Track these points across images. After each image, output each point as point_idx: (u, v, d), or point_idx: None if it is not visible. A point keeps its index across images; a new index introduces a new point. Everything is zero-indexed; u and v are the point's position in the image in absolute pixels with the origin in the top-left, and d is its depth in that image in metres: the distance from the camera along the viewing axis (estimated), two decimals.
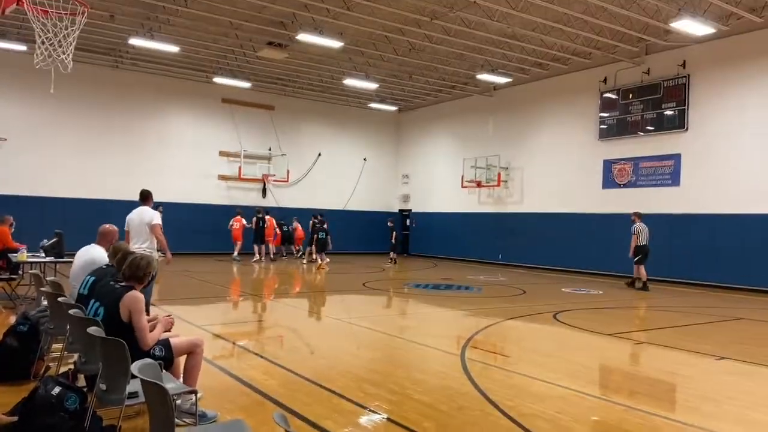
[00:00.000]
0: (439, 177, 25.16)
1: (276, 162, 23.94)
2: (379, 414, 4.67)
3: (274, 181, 23.94)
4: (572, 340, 8.27)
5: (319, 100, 25.16)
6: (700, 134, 16.04)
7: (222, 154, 23.07)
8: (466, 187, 23.02)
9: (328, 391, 5.20)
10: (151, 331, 4.31)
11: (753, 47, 14.86)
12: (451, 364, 6.46)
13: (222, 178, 23.01)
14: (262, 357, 6.57)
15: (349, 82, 21.00)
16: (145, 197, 7.72)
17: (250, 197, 23.58)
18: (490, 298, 12.50)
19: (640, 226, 14.68)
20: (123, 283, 4.36)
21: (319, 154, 25.31)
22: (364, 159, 26.65)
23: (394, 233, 21.09)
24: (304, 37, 15.67)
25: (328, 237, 19.17)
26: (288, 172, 23.89)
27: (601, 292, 14.12)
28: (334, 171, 25.44)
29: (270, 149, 23.98)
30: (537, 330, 9.15)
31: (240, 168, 22.91)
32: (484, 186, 22.39)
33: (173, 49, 17.72)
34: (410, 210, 26.99)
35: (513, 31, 16.09)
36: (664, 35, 15.88)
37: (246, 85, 22.11)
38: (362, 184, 26.36)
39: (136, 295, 4.23)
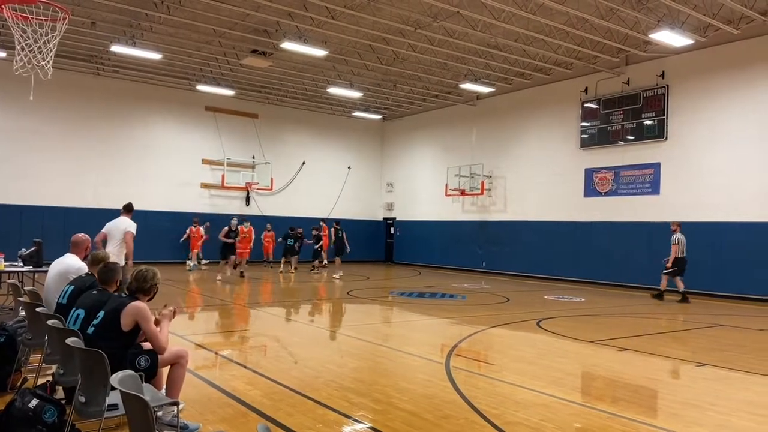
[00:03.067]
0: (423, 185, 25.24)
1: (260, 170, 23.83)
2: (364, 424, 4.64)
3: (258, 189, 23.81)
4: (555, 348, 8.32)
5: (303, 109, 25.14)
6: (679, 143, 16.33)
7: (205, 162, 22.90)
8: (450, 195, 23.13)
9: (312, 401, 5.16)
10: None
11: (730, 58, 15.20)
12: (435, 372, 6.45)
13: (205, 186, 22.84)
14: (245, 367, 6.50)
15: (334, 90, 21.02)
16: (129, 209, 8.94)
17: (233, 206, 23.42)
18: (474, 306, 12.53)
19: (681, 236, 13.92)
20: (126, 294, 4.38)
21: (303, 163, 25.26)
22: (348, 167, 26.64)
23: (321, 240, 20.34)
24: (288, 45, 15.67)
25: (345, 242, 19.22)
26: (272, 180, 23.78)
27: (583, 299, 14.23)
28: (318, 179, 25.39)
29: (254, 157, 23.87)
30: (521, 338, 9.18)
31: (223, 176, 22.76)
32: (467, 194, 22.51)
33: (156, 56, 17.59)
34: (394, 218, 27.03)
35: (496, 42, 16.26)
36: (644, 46, 16.18)
37: (230, 92, 22.02)
38: (346, 192, 26.33)
39: (141, 304, 4.24)
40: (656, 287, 16.54)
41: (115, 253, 8.46)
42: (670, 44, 14.65)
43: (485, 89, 20.31)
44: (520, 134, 21.07)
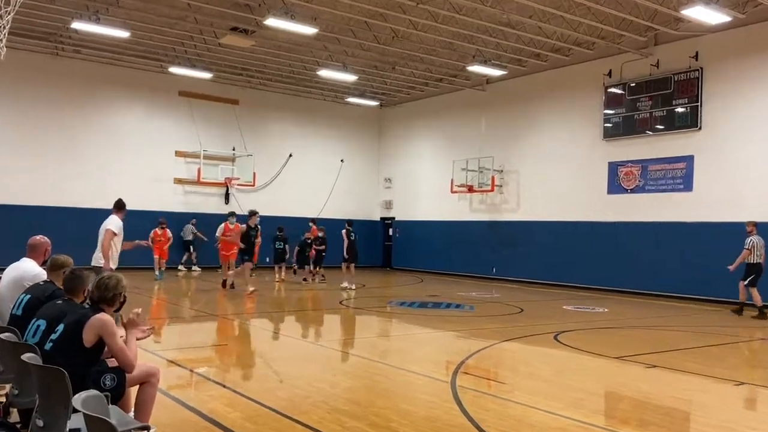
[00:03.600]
0: (425, 181, 25.25)
1: (240, 163, 23.81)
2: None
3: (239, 185, 23.79)
4: (575, 364, 8.33)
5: (289, 94, 25.13)
6: (714, 134, 16.36)
7: (179, 154, 22.87)
8: (456, 192, 23.14)
9: (300, 424, 5.16)
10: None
11: None
12: (440, 392, 6.46)
13: (178, 181, 22.81)
14: (224, 386, 6.50)
15: (324, 73, 21.02)
16: (117, 207, 9.13)
17: (210, 203, 23.40)
18: (484, 318, 12.54)
19: (756, 239, 13.47)
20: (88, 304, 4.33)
21: (290, 155, 25.24)
22: (341, 160, 26.63)
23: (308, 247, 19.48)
24: (272, 21, 15.65)
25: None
26: (254, 174, 23.76)
27: (606, 309, 14.26)
28: (307, 174, 25.38)
29: (234, 149, 23.85)
30: (536, 353, 9.19)
31: (199, 170, 22.73)
32: (476, 191, 22.53)
33: (122, 34, 17.56)
34: (393, 218, 27.04)
35: (508, 18, 16.27)
36: (675, 24, 16.20)
37: (206, 76, 22.00)
38: (339, 188, 26.33)
39: (105, 317, 4.19)
40: (691, 296, 16.58)
41: (98, 257, 8.63)
42: (705, 21, 14.68)
43: (496, 72, 20.32)
44: (535, 123, 21.09)
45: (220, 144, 23.59)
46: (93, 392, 3.20)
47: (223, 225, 17.43)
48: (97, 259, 8.74)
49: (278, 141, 25.04)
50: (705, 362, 8.45)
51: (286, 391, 6.48)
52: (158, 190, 22.28)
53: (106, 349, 4.25)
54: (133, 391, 4.40)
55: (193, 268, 21.76)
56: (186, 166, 22.99)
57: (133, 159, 21.77)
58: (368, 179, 27.65)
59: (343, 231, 18.01)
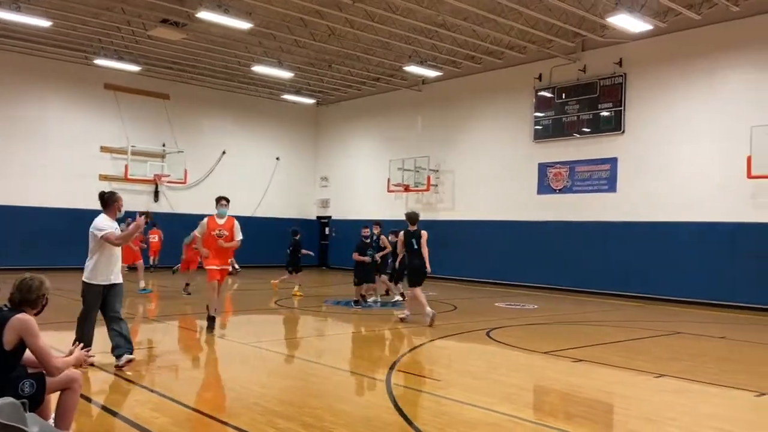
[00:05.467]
0: (362, 180, 25.28)
1: (171, 160, 23.15)
2: None
3: (169, 182, 23.12)
4: (506, 360, 8.52)
5: (223, 89, 24.62)
6: (636, 137, 17.12)
7: (104, 150, 22.04)
8: (392, 191, 23.27)
9: (231, 427, 5.04)
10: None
11: (690, 46, 16.07)
12: (375, 391, 6.46)
13: (104, 178, 21.93)
14: (151, 390, 6.28)
15: (259, 69, 20.70)
16: (101, 203, 7.18)
17: (139, 201, 22.58)
18: (418, 316, 12.66)
19: None
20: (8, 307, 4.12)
21: (224, 152, 24.75)
22: (277, 158, 26.34)
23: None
24: (205, 15, 15.27)
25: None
26: (185, 172, 23.16)
27: (536, 306, 14.67)
28: (241, 172, 24.93)
29: (164, 145, 23.17)
30: (469, 349, 9.35)
31: (127, 167, 21.96)
32: (412, 190, 22.72)
33: (44, 23, 16.73)
34: (329, 217, 26.93)
35: (443, 20, 16.49)
36: (601, 31, 16.86)
37: (134, 68, 21.26)
38: (274, 187, 26.00)
39: (26, 317, 4.05)
40: (614, 292, 17.29)
41: (90, 266, 6.92)
42: (628, 29, 15.33)
43: (431, 73, 20.56)
44: (470, 124, 21.47)
45: (149, 140, 22.86)
46: (9, 399, 3.03)
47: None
48: (90, 270, 6.95)
49: (211, 137, 24.50)
50: (628, 355, 8.82)
51: (216, 394, 6.33)
52: (82, 187, 21.31)
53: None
54: (54, 397, 4.19)
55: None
56: (112, 162, 22.16)
57: (55, 154, 20.85)
58: (304, 178, 27.44)
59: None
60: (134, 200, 22.49)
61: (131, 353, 6.97)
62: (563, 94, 18.75)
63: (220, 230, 9.67)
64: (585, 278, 17.75)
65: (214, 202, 9.97)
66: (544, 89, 19.23)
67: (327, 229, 27.03)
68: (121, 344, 6.91)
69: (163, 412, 5.42)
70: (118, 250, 7.12)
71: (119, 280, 7.12)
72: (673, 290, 15.90)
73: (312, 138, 27.80)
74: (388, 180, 23.19)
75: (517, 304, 15.01)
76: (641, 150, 16.99)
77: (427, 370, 7.96)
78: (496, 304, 14.98)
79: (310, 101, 26.51)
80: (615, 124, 17.52)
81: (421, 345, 9.28)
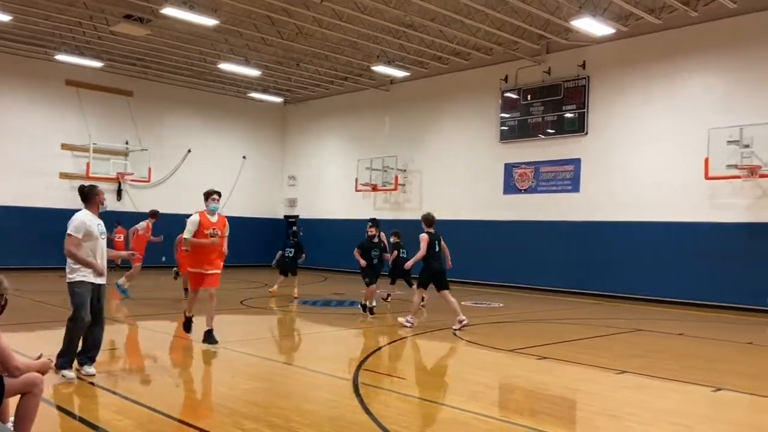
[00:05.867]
0: (330, 179, 25.19)
1: (135, 158, 22.72)
2: None
3: (132, 180, 22.68)
4: (472, 358, 8.59)
5: (188, 87, 24.26)
6: (599, 139, 17.45)
7: (66, 147, 21.51)
8: (360, 190, 23.25)
9: (196, 429, 4.97)
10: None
11: (651, 50, 16.44)
12: (342, 390, 6.45)
13: (65, 176, 21.40)
14: (114, 393, 6.15)
15: (226, 66, 20.46)
16: (83, 197, 6.63)
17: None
18: (386, 315, 12.68)
19: None
20: None
21: (189, 150, 24.40)
22: (244, 157, 26.08)
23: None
24: (170, 11, 15.02)
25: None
26: (149, 170, 22.74)
27: (502, 304, 14.84)
28: (206, 170, 24.58)
29: (127, 143, 22.73)
30: (436, 348, 9.40)
31: (88, 164, 21.47)
32: (380, 190, 22.74)
33: (3, 18, 16.26)
34: (297, 216, 26.76)
35: (411, 20, 16.54)
36: (565, 34, 17.12)
37: (97, 64, 20.79)
38: (241, 186, 25.72)
39: None
40: (577, 290, 17.59)
41: (72, 262, 6.41)
42: (591, 32, 15.60)
43: (399, 73, 20.60)
44: (437, 124, 21.58)
45: (112, 137, 22.40)
46: None
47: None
48: (71, 268, 6.43)
49: (176, 135, 24.12)
50: (591, 352, 8.98)
51: (181, 396, 6.23)
52: (42, 185, 20.84)
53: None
54: (13, 401, 4.08)
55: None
56: (74, 160, 21.65)
57: (13, 152, 20.32)
58: (272, 177, 27.22)
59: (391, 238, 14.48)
60: None
61: (91, 364, 6.63)
62: (528, 96, 18.98)
63: (213, 229, 8.36)
64: (550, 277, 18.00)
65: (203, 197, 8.65)
66: (509, 90, 19.44)
67: (294, 228, 26.81)
68: (86, 351, 6.65)
69: (126, 415, 5.31)
70: (100, 247, 6.51)
71: (104, 281, 6.64)
72: (635, 288, 16.24)
73: (279, 137, 27.60)
74: (356, 179, 23.16)
75: (483, 302, 15.14)
76: (604, 151, 17.31)
77: (394, 368, 7.97)
78: (463, 302, 15.07)
79: (278, 100, 26.31)
80: (578, 126, 17.82)
81: (388, 344, 9.30)
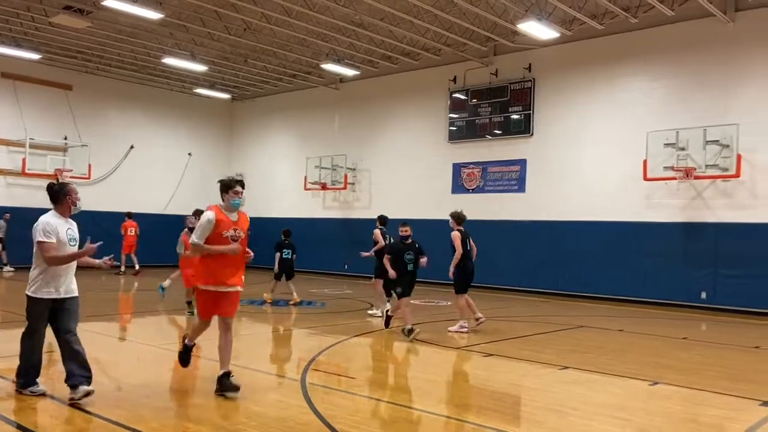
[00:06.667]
0: (279, 178, 24.94)
1: (74, 154, 21.91)
2: None
3: (71, 177, 21.83)
4: (421, 357, 8.66)
5: (132, 81, 23.57)
6: (543, 140, 17.87)
7: (0, 142, 20.55)
8: (309, 189, 23.11)
9: None
10: None
11: (593, 54, 16.93)
12: (290, 391, 6.40)
13: None
14: (51, 397, 5.92)
15: (170, 61, 19.96)
16: (52, 196, 5.87)
17: (37, 197, 21.07)
18: (335, 314, 12.65)
19: None
20: None
21: (131, 147, 23.71)
22: (189, 154, 25.53)
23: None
24: (112, 3, 14.55)
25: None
26: (90, 167, 21.98)
27: (449, 303, 15.00)
28: (150, 167, 23.98)
29: (66, 138, 21.91)
30: (385, 347, 9.43)
31: (24, 160, 20.60)
32: (329, 188, 22.65)
33: None
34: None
35: (361, 19, 16.53)
36: (512, 36, 17.45)
37: (34, 57, 19.95)
38: (186, 183, 25.17)
39: None
40: (524, 288, 17.97)
41: (33, 276, 5.65)
42: (537, 36, 15.95)
43: (349, 71, 20.56)
44: (387, 123, 21.65)
45: (50, 132, 21.55)
46: None
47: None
48: (32, 281, 5.63)
49: (118, 131, 23.39)
50: (535, 349, 9.19)
51: (123, 399, 6.05)
52: None
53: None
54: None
55: (6, 268, 19.64)
56: (9, 155, 20.75)
57: None
58: (219, 174, 26.44)
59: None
60: (32, 196, 21.13)
61: (89, 383, 5.62)
62: (476, 97, 19.27)
63: (235, 230, 6.11)
64: (497, 275, 18.30)
65: (220, 189, 6.26)
66: (458, 91, 19.69)
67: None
68: (75, 372, 5.62)
69: (63, 420, 5.13)
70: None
71: (74, 293, 5.78)
72: (579, 286, 16.70)
73: (227, 134, 27.13)
74: (305, 178, 23.01)
75: (431, 300, 15.29)
76: (548, 152, 17.74)
77: (343, 368, 7.96)
78: (412, 301, 15.16)
79: (225, 96, 25.86)
80: (524, 127, 18.20)
81: (337, 343, 9.27)
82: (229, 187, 6.24)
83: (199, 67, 20.84)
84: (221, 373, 6.04)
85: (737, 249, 14.38)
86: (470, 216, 18.89)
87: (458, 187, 19.61)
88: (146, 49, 19.86)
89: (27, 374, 5.78)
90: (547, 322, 12.22)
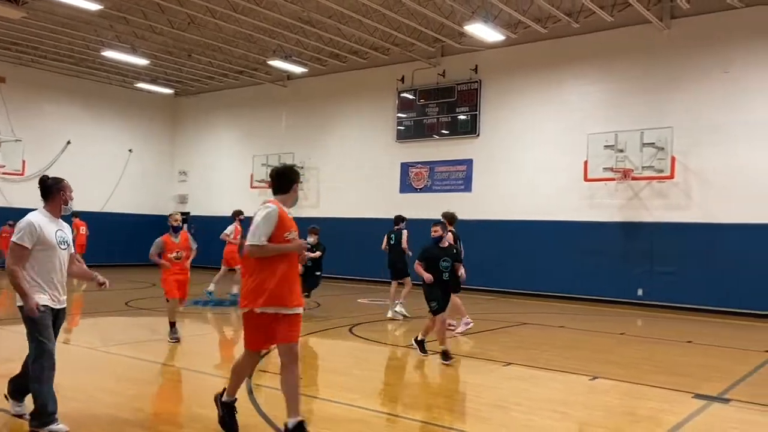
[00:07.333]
0: (224, 175, 24.52)
1: (7, 149, 20.94)
2: None
3: (4, 173, 20.93)
4: (369, 355, 8.68)
5: (69, 75, 22.73)
6: (489, 140, 18.19)
7: None
8: (256, 187, 22.81)
9: None
10: None
11: (537, 58, 17.34)
12: None
13: None
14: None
15: (110, 54, 19.33)
16: (44, 191, 5.00)
17: None
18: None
19: None
20: None
21: (68, 142, 22.87)
22: (130, 150, 24.81)
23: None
24: None
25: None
26: (23, 162, 21.06)
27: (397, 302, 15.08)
28: (89, 164, 23.15)
29: None
30: (332, 346, 9.41)
31: None
32: None
33: None
34: (188, 213, 25.81)
35: (309, 16, 16.42)
36: (459, 38, 17.68)
37: None
38: (127, 181, 24.45)
39: None
40: (470, 287, 18.17)
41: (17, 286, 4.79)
42: (483, 38, 16.21)
43: (297, 69, 20.39)
44: (335, 122, 21.58)
45: None
46: None
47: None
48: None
49: (54, 126, 22.52)
50: (481, 346, 9.35)
51: (61, 405, 5.82)
52: None
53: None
54: None
55: None
56: None
57: None
58: (161, 171, 26.07)
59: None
60: None
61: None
62: (424, 97, 19.44)
63: (292, 232, 4.86)
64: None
65: (284, 180, 4.97)
66: (406, 91, 19.81)
67: (185, 226, 25.88)
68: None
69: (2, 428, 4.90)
70: (59, 260, 4.91)
71: (64, 303, 5.06)
72: (523, 284, 17.09)
73: (169, 130, 26.47)
74: (252, 176, 22.71)
75: (379, 300, 15.33)
76: (494, 153, 18.07)
77: None
78: (359, 300, 15.22)
79: (168, 91, 25.22)
80: (471, 128, 18.48)
81: None
82: (298, 178, 5.09)
83: (141, 61, 20.27)
84: (291, 423, 4.74)
85: (671, 247, 15.01)
86: (417, 215, 19.13)
87: (406, 186, 19.75)
88: (85, 41, 19.18)
89: (45, 412, 4.72)
90: (492, 320, 12.45)
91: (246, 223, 11.27)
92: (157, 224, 25.16)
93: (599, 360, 8.63)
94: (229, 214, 23.59)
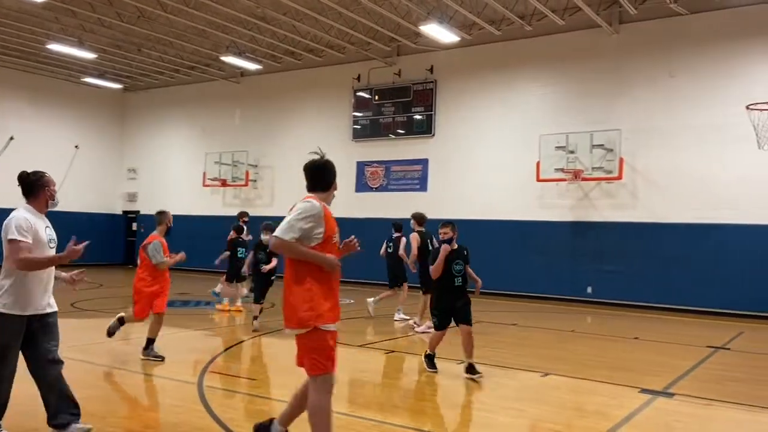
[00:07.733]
0: (175, 173, 24.02)
1: None
2: None
3: None
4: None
5: (12, 68, 21.88)
6: (445, 140, 18.36)
7: None
8: (208, 185, 22.44)
9: None
10: None
11: (491, 59, 17.60)
12: (186, 395, 6.18)
13: None
14: None
15: (56, 47, 18.68)
16: (26, 187, 4.73)
17: None
18: (235, 315, 12.37)
19: None
20: None
21: (11, 138, 22.00)
22: (76, 147, 24.04)
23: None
24: None
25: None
26: None
27: (352, 301, 15.10)
28: (32, 160, 21.89)
29: None
30: (286, 347, 9.29)
31: None
32: (229, 185, 22.08)
33: None
34: (138, 212, 25.19)
35: (263, 13, 16.23)
36: (415, 38, 17.78)
37: None
38: (73, 178, 23.63)
39: None
40: (419, 286, 18.28)
41: (5, 286, 4.44)
42: (439, 39, 16.35)
43: (251, 65, 20.13)
44: (290, 120, 21.40)
45: None
46: None
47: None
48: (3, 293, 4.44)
49: None
50: (438, 345, 9.40)
51: (8, 412, 5.61)
52: None
53: None
54: None
55: None
56: None
57: None
58: (109, 169, 25.36)
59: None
60: None
61: (78, 420, 4.69)
62: (380, 96, 19.48)
63: (336, 235, 4.70)
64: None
65: (320, 176, 4.92)
66: (362, 90, 19.81)
67: (135, 225, 25.25)
68: (63, 408, 4.69)
69: None
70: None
71: (53, 308, 4.74)
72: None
73: (118, 126, 25.77)
74: (204, 174, 22.32)
75: (348, 299, 15.29)
76: (448, 152, 18.24)
77: (242, 369, 7.80)
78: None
79: (116, 86, 24.53)
80: (426, 128, 18.61)
81: (236, 344, 9.07)
82: (328, 179, 4.70)
83: (88, 55, 19.66)
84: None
85: (618, 246, 15.46)
86: (372, 215, 19.24)
87: (362, 185, 19.75)
88: (30, 34, 18.48)
89: None
90: None
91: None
92: (106, 223, 24.60)
93: (550, 357, 8.82)
94: (181, 213, 23.14)
